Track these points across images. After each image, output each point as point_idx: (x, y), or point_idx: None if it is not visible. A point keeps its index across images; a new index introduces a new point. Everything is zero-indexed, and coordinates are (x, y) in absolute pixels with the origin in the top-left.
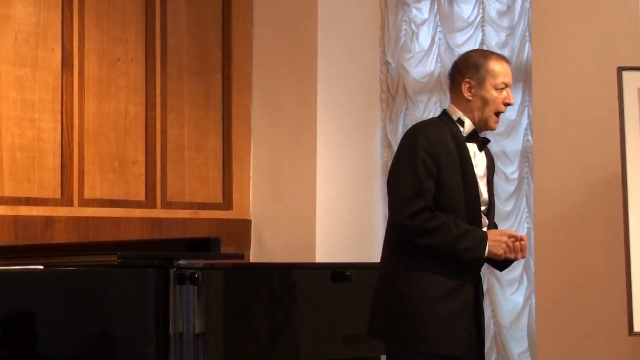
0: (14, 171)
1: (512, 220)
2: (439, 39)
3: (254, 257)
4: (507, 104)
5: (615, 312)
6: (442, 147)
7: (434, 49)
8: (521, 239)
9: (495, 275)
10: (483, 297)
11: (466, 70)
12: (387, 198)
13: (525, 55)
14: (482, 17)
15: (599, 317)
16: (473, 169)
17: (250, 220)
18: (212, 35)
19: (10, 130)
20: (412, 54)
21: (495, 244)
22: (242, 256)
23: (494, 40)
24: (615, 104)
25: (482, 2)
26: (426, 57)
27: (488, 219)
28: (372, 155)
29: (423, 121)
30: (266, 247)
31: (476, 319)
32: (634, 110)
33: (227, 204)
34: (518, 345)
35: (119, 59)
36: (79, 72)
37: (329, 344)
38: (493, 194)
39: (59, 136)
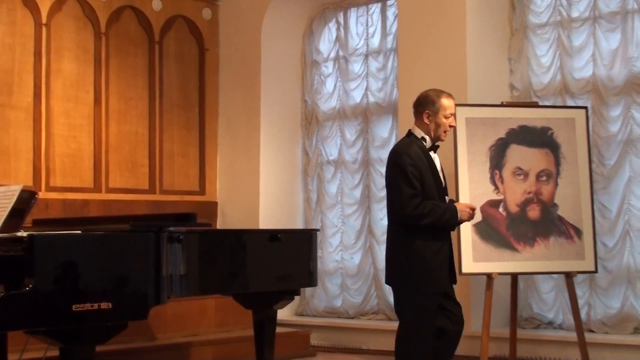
0: (64, 170)
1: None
2: (339, 85)
3: (219, 226)
4: (451, 126)
5: None
6: (419, 159)
7: (336, 92)
8: (473, 209)
9: (375, 237)
10: (450, 247)
11: (426, 104)
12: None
13: (394, 97)
14: (367, 71)
15: None
16: (437, 169)
17: (217, 202)
18: (192, 83)
19: (60, 144)
20: (321, 95)
21: (462, 213)
22: (210, 224)
23: (374, 86)
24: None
25: (367, 62)
26: (330, 97)
27: (447, 196)
28: (295, 160)
29: (402, 142)
30: (227, 220)
31: (450, 264)
32: (463, 136)
33: (202, 191)
34: None
35: (131, 98)
36: (106, 106)
37: (267, 280)
38: (445, 181)
39: (92, 147)
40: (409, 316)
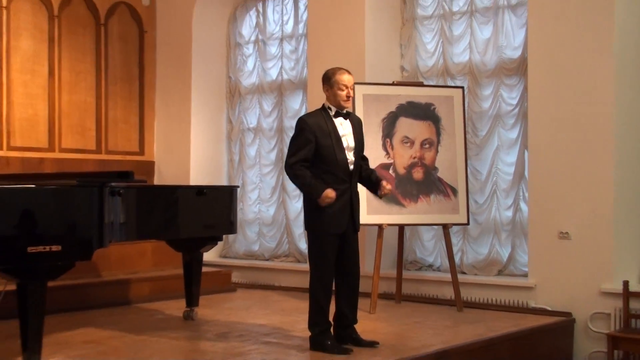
0: (23, 132)
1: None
2: (258, 64)
3: (156, 182)
4: (348, 96)
5: None
6: (315, 125)
7: (255, 70)
8: (332, 199)
9: (287, 192)
10: (357, 199)
11: (325, 80)
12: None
13: (304, 75)
14: (281, 52)
15: None
16: (338, 132)
17: (154, 162)
18: (133, 60)
19: (19, 110)
20: (243, 72)
21: (321, 200)
22: (145, 181)
23: (287, 66)
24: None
25: (282, 45)
26: (251, 74)
27: (355, 156)
28: (221, 127)
29: (309, 112)
30: (163, 177)
31: (352, 212)
32: (360, 110)
33: (141, 152)
34: (299, 229)
35: (80, 72)
36: (58, 78)
37: (195, 228)
38: (359, 141)
39: (47, 113)
40: (310, 254)
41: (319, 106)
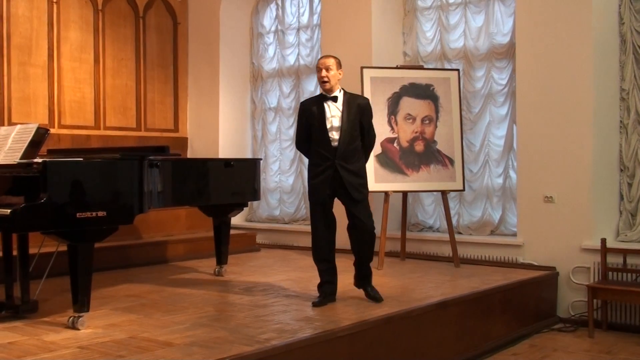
0: (72, 113)
1: None
2: (278, 51)
3: (189, 155)
4: (321, 79)
5: None
6: (307, 109)
7: (275, 56)
8: None
9: (304, 164)
10: (350, 174)
11: None
12: (254, 129)
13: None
14: (298, 41)
15: None
16: (324, 114)
17: (187, 138)
18: (168, 48)
19: (69, 93)
20: (265, 58)
21: None
22: (180, 154)
23: (304, 52)
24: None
25: (298, 34)
26: (271, 60)
27: (341, 136)
28: (245, 107)
29: (307, 98)
30: (195, 151)
31: (339, 182)
32: (368, 91)
33: (176, 129)
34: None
35: (122, 59)
36: (103, 65)
37: (223, 195)
38: (346, 122)
39: (93, 96)
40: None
41: None
